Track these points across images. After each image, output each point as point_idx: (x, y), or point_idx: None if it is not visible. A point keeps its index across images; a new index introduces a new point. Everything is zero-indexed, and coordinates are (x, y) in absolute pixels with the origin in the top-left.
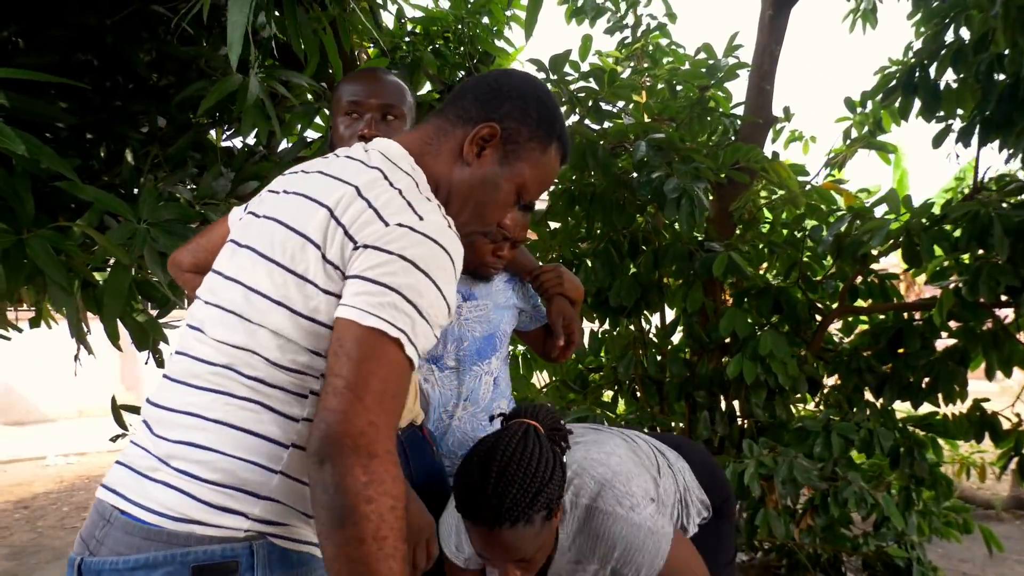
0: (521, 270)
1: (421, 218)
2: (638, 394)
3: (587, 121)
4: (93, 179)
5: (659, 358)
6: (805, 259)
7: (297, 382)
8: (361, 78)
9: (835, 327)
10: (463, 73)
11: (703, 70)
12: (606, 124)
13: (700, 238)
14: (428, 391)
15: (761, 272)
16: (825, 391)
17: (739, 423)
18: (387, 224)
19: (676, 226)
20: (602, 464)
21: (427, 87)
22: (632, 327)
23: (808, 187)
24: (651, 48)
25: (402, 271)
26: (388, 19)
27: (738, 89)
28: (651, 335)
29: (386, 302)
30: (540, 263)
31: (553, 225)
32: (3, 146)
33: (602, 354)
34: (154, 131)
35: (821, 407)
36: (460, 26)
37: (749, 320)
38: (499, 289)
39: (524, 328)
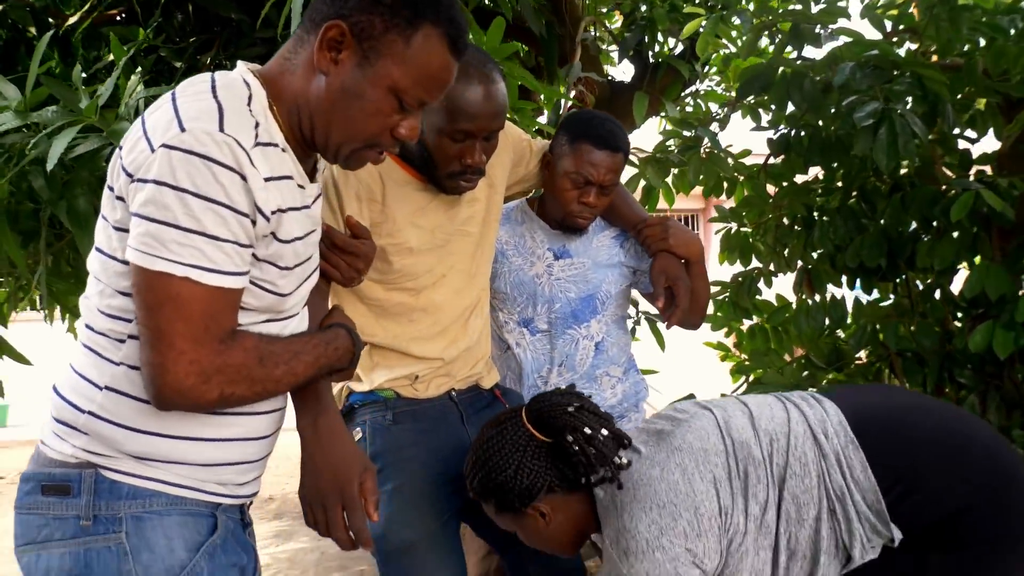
0: (625, 223)
1: (183, 129)
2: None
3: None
4: None
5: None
6: None
7: (114, 327)
8: None
9: None
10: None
11: None
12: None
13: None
14: (520, 356)
15: None
16: None
17: None
18: (153, 149)
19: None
20: (632, 488)
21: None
22: (896, 292)
23: None
24: None
25: (172, 200)
26: None
27: None
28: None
29: (166, 239)
30: (649, 214)
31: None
32: None
33: (855, 324)
34: None
35: None
36: None
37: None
38: (602, 246)
39: (645, 291)
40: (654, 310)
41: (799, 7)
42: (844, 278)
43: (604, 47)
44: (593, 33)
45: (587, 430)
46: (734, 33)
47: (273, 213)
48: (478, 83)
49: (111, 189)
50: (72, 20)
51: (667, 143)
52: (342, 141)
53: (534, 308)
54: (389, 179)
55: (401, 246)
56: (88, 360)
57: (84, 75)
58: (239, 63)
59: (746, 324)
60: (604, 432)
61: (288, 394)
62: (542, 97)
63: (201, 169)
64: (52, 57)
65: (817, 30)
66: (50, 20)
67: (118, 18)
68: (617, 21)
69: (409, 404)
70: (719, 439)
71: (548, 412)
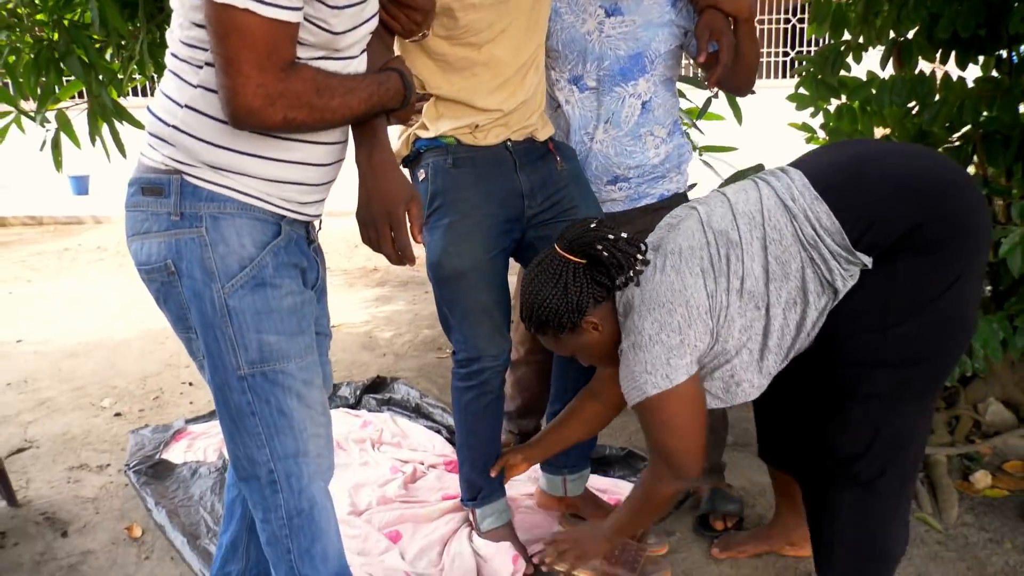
0: None
1: None
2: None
3: None
4: None
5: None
6: None
7: (193, 55)
8: None
9: None
10: None
11: None
12: None
13: None
14: (568, 112)
15: None
16: None
17: None
18: None
19: None
20: (641, 293)
21: None
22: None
23: None
24: None
25: None
26: None
27: None
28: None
29: None
30: None
31: None
32: None
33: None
34: None
35: None
36: None
37: None
38: (654, 4)
39: (694, 53)
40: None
41: None
42: (940, 52)
43: None
44: None
45: (610, 235)
46: None
47: None
48: None
49: None
50: None
51: None
52: None
53: (584, 65)
54: None
55: (464, 1)
56: (173, 83)
57: None
58: None
59: (834, 104)
60: (623, 235)
61: (349, 131)
62: None
63: None
64: None
65: None
66: None
67: None
68: None
69: (469, 151)
70: (702, 234)
71: (575, 235)
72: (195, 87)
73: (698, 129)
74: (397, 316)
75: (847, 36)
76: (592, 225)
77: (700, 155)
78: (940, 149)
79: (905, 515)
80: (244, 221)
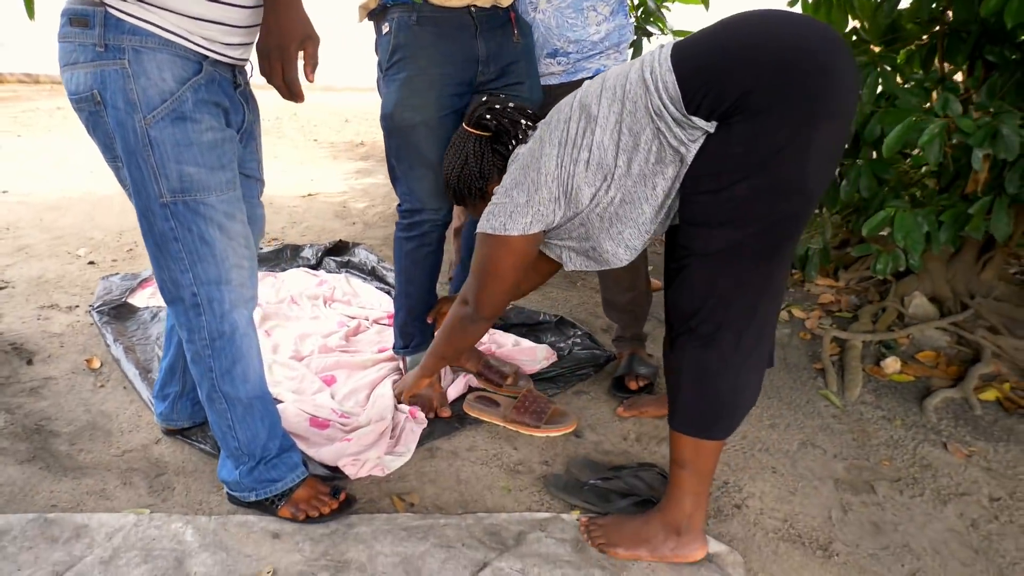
0: None
1: None
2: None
3: None
4: None
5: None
6: None
7: None
8: None
9: None
10: None
11: None
12: None
13: None
14: None
15: None
16: None
17: None
18: None
19: None
20: (517, 157)
21: None
22: None
23: None
24: None
25: None
26: None
27: None
28: None
29: None
30: None
31: None
32: None
33: None
34: None
35: None
36: None
37: None
38: None
39: None
40: None
41: None
42: None
43: None
44: None
45: (497, 106)
46: None
47: None
48: None
49: None
50: None
51: None
52: None
53: None
54: None
55: None
56: None
57: None
58: None
59: None
60: (511, 105)
61: None
62: None
63: None
64: None
65: None
66: None
67: None
68: None
69: (434, 11)
70: (570, 109)
71: (473, 110)
72: None
73: (666, 7)
74: (373, 189)
75: None
76: (483, 98)
77: (675, 39)
78: (912, 46)
79: (743, 369)
80: (165, 56)
